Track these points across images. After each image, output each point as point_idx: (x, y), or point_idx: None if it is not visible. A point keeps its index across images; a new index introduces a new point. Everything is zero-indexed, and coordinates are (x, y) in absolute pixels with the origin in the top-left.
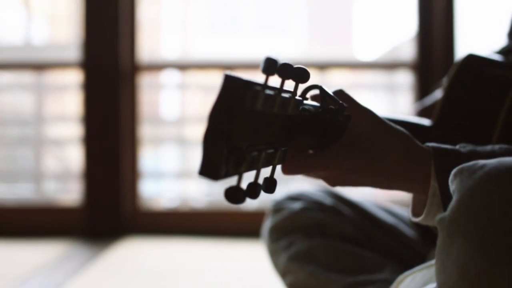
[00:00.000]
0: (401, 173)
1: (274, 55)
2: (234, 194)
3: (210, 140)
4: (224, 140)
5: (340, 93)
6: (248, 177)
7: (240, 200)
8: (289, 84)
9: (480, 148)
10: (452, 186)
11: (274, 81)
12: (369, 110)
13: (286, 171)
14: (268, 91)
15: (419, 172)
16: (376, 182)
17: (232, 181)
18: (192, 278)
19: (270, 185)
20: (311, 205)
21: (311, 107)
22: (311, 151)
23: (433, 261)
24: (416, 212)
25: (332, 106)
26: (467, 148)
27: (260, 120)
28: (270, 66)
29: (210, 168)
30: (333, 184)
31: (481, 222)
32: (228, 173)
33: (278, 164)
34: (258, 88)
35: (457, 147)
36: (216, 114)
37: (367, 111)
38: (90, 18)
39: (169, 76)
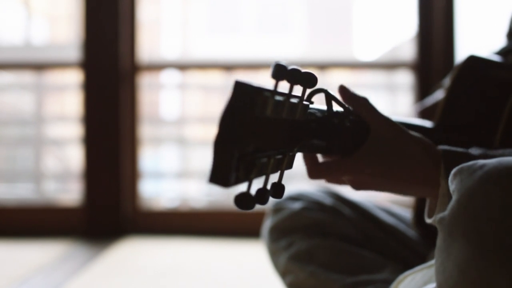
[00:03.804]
0: (420, 176)
1: (282, 61)
2: (244, 201)
3: (220, 147)
4: (234, 147)
5: (363, 100)
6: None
7: (250, 206)
8: (292, 88)
9: (491, 152)
10: (452, 185)
11: (279, 85)
12: (389, 118)
13: (312, 175)
14: (277, 97)
15: (434, 175)
16: (397, 186)
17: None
18: (192, 278)
19: (278, 190)
20: (311, 205)
21: (317, 112)
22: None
23: (433, 261)
24: (430, 215)
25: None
26: (478, 151)
27: (269, 126)
28: (280, 71)
29: (220, 175)
30: (357, 188)
31: (481, 222)
32: (238, 180)
33: (286, 169)
34: (268, 94)
35: (469, 150)
36: (226, 120)
37: (387, 119)
38: (90, 18)
39: (169, 76)
